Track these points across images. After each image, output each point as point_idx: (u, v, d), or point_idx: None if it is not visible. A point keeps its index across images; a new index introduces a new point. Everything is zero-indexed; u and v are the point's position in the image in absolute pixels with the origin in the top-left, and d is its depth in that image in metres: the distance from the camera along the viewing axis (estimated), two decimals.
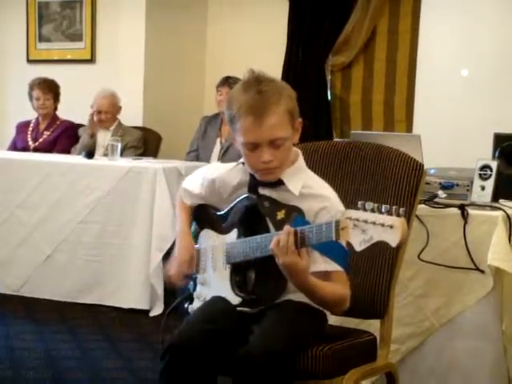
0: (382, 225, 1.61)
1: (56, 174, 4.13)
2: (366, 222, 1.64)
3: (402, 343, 2.58)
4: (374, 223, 1.62)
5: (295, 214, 1.88)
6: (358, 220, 1.65)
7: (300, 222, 1.85)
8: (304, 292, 1.89)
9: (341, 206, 1.95)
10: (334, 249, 1.83)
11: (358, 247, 1.66)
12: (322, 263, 1.89)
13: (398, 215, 1.61)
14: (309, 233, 1.77)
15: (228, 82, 4.69)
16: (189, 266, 2.07)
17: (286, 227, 1.80)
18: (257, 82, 1.90)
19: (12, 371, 3.02)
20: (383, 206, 1.63)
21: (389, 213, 1.62)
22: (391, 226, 1.60)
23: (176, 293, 2.20)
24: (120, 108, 4.97)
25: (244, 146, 1.92)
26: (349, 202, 2.14)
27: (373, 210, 1.64)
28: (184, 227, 2.14)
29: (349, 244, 1.71)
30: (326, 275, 1.90)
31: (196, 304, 2.08)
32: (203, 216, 2.13)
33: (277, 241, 1.80)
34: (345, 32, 5.10)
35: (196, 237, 2.14)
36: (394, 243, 1.61)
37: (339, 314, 2.05)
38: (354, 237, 1.66)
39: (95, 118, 4.84)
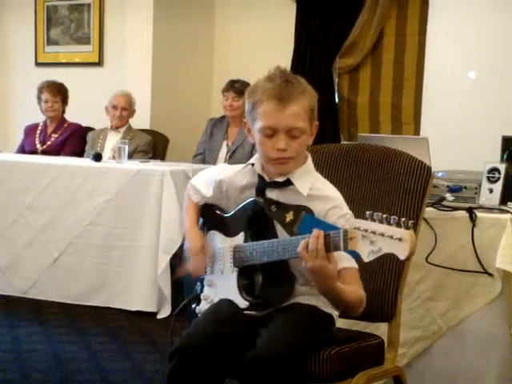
0: (391, 237, 1.61)
1: (64, 177, 4.14)
2: (374, 233, 1.64)
3: (409, 347, 2.57)
4: (382, 235, 1.62)
5: (303, 214, 1.88)
6: (366, 231, 1.65)
7: (310, 220, 1.85)
8: (329, 297, 1.87)
9: (348, 210, 1.96)
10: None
11: (366, 258, 1.67)
12: (338, 262, 1.87)
13: (407, 227, 1.61)
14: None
15: (233, 86, 4.69)
16: (201, 257, 2.07)
17: (316, 231, 1.77)
18: (283, 74, 1.94)
19: (20, 373, 3.03)
20: (392, 218, 1.62)
21: (397, 225, 1.62)
22: (400, 239, 1.60)
23: (183, 293, 2.20)
24: (134, 111, 4.99)
25: (262, 131, 1.93)
26: (356, 205, 2.15)
27: (381, 221, 1.63)
28: (191, 222, 2.14)
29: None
30: (338, 272, 1.88)
31: (203, 305, 2.08)
32: (210, 217, 2.13)
33: (305, 244, 1.78)
34: (352, 34, 5.09)
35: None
36: (402, 256, 1.61)
37: (355, 317, 2.04)
38: (363, 248, 1.66)
39: (114, 114, 4.88)
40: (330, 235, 1.75)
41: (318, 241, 1.76)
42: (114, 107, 4.92)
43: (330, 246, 1.75)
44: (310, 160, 2.03)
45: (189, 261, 2.10)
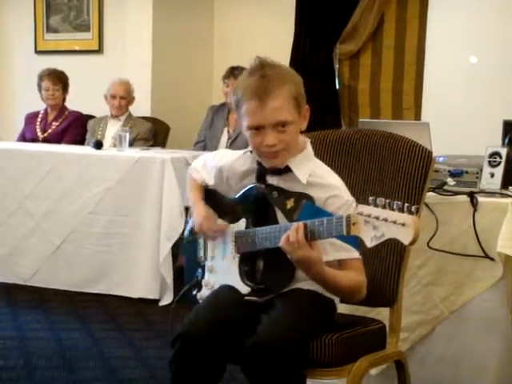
0: (394, 222, 1.60)
1: (65, 165, 4.14)
2: (377, 218, 1.63)
3: (411, 331, 2.57)
4: (385, 220, 1.62)
5: (304, 202, 1.88)
6: (369, 216, 1.64)
7: (310, 208, 1.85)
8: (319, 282, 1.89)
9: (349, 196, 1.95)
10: (346, 236, 1.83)
11: (370, 243, 1.66)
12: (335, 252, 1.90)
13: (410, 213, 1.60)
14: (319, 226, 1.77)
15: (234, 73, 4.69)
16: (213, 219, 2.07)
17: (295, 224, 1.79)
18: (261, 67, 1.91)
19: (23, 360, 3.04)
20: (395, 203, 1.62)
21: (401, 210, 1.61)
22: (403, 224, 1.59)
23: (184, 280, 2.20)
24: (133, 98, 4.98)
25: (248, 129, 1.93)
26: (357, 191, 2.15)
27: (384, 207, 1.63)
28: (197, 197, 2.14)
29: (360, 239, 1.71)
30: (340, 263, 1.91)
31: (204, 292, 2.08)
32: (211, 204, 2.13)
33: (286, 238, 1.80)
34: (352, 20, 5.07)
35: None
36: (406, 241, 1.61)
37: (356, 303, 2.05)
38: (366, 233, 1.66)
39: (112, 104, 4.87)
40: (307, 225, 1.77)
41: (298, 232, 1.77)
42: (113, 97, 4.91)
43: (308, 235, 1.77)
44: (309, 146, 2.02)
45: (199, 225, 2.08)
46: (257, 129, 1.91)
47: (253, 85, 1.88)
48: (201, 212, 2.08)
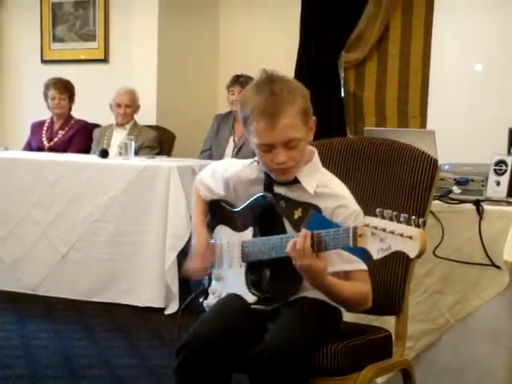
0: (401, 235, 1.60)
1: (71, 174, 4.16)
2: (384, 230, 1.63)
3: (417, 340, 2.57)
4: (392, 233, 1.61)
5: (312, 212, 1.88)
6: (376, 228, 1.64)
7: (317, 219, 1.85)
8: (323, 292, 1.89)
9: (356, 205, 1.95)
10: (353, 247, 1.82)
11: (376, 255, 1.66)
12: (341, 263, 1.89)
13: (417, 225, 1.60)
14: (326, 237, 1.77)
15: (239, 80, 4.70)
16: (205, 256, 2.07)
17: (303, 231, 1.79)
18: (270, 81, 1.88)
19: (29, 369, 3.04)
20: (402, 215, 1.61)
21: (408, 222, 1.61)
22: (410, 237, 1.59)
23: (191, 288, 2.20)
24: (139, 106, 5.00)
25: (258, 147, 1.92)
26: (363, 199, 2.14)
27: (391, 219, 1.63)
28: (199, 218, 2.14)
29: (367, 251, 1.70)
30: (346, 275, 1.91)
31: (211, 299, 2.09)
32: (218, 212, 2.13)
33: (293, 244, 1.79)
34: (358, 28, 5.08)
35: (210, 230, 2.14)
36: (412, 254, 1.60)
37: (360, 312, 2.04)
38: (372, 245, 1.66)
39: (118, 112, 4.89)
40: (314, 235, 1.77)
41: (305, 240, 1.77)
42: (118, 105, 4.93)
43: (314, 246, 1.77)
44: (316, 157, 2.01)
45: (192, 259, 2.10)
46: (267, 148, 1.89)
47: (262, 103, 1.85)
48: (199, 242, 2.08)
